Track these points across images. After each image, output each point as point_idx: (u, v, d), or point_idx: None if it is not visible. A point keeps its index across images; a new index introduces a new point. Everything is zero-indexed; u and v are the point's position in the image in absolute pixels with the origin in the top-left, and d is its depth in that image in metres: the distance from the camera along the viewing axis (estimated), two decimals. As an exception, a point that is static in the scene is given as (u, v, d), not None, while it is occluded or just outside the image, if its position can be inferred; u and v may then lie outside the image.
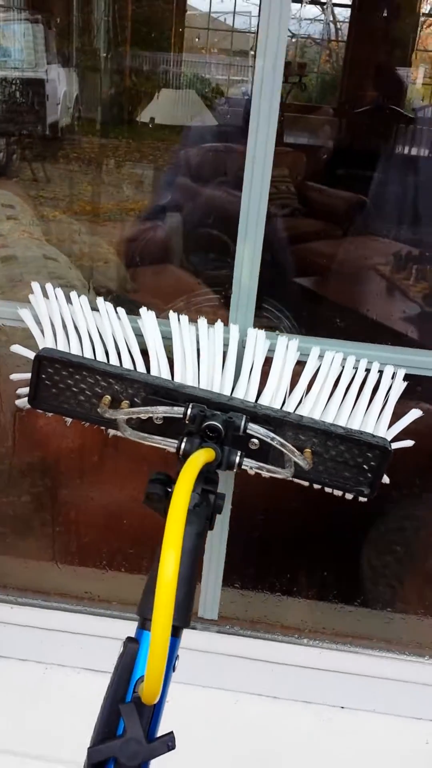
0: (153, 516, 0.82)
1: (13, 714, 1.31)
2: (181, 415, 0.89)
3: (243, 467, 0.87)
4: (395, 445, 1.03)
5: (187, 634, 1.31)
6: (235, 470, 0.86)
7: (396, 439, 1.04)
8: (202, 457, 0.77)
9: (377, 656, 1.30)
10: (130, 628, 0.76)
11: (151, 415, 0.94)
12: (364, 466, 1.01)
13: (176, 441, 0.85)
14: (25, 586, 1.39)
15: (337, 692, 1.33)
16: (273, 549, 1.44)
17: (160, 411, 0.92)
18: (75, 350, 1.03)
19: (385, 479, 1.06)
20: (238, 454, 0.85)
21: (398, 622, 1.38)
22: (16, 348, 1.08)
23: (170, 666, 0.75)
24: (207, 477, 0.83)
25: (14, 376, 1.10)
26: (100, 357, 1.04)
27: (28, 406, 1.05)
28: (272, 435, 0.91)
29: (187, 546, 0.75)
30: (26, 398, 1.05)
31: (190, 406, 0.89)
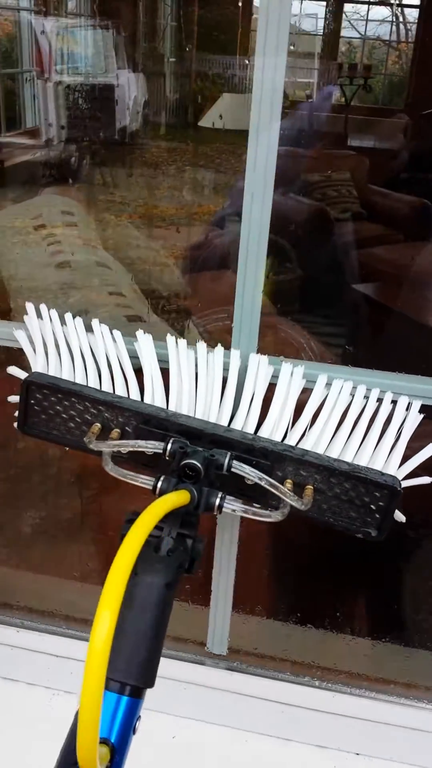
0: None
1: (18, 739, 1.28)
2: (161, 450, 0.83)
3: (226, 510, 0.80)
4: (410, 483, 0.95)
5: (195, 669, 1.26)
6: (215, 513, 0.79)
7: (412, 475, 0.95)
8: (169, 501, 0.71)
9: (395, 703, 1.21)
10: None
11: (131, 449, 0.88)
12: (372, 506, 0.92)
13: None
14: (33, 607, 1.36)
15: (352, 737, 1.24)
16: (285, 578, 1.37)
17: (140, 445, 0.86)
18: (67, 374, 0.99)
19: (401, 517, 0.97)
20: (219, 496, 0.79)
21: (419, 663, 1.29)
22: (12, 370, 1.04)
23: (130, 729, 0.69)
24: (185, 520, 0.77)
25: (12, 398, 1.06)
26: (94, 381, 0.99)
27: None
28: (260, 474, 0.84)
29: (150, 599, 0.70)
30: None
31: (171, 440, 0.83)
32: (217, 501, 0.78)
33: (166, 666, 1.27)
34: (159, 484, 0.78)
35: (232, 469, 0.83)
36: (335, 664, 1.25)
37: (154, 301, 1.77)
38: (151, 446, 0.85)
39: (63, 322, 1.02)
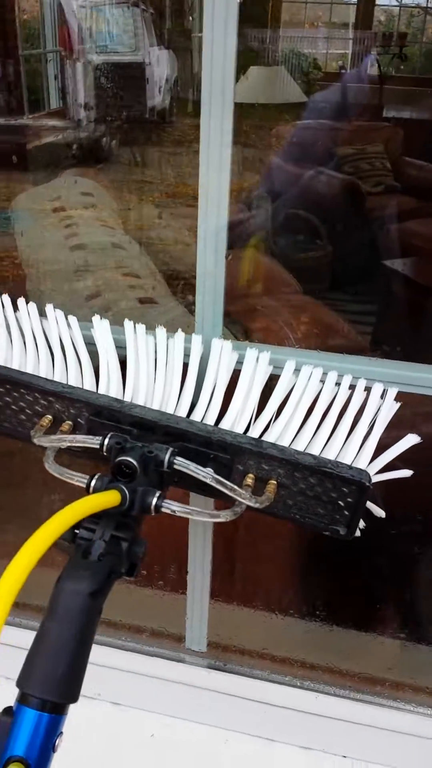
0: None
1: None
2: (98, 446, 0.77)
3: (165, 511, 0.74)
4: (386, 476, 0.87)
5: (174, 667, 1.21)
6: (152, 513, 0.73)
7: (389, 468, 0.88)
8: (91, 501, 0.65)
9: (383, 705, 1.15)
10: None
11: (69, 444, 0.82)
12: (340, 503, 0.85)
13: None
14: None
15: (338, 739, 1.18)
16: (268, 567, 1.30)
17: (78, 440, 0.81)
18: (18, 362, 0.93)
19: (379, 512, 0.90)
20: (156, 495, 0.72)
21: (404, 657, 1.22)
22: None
23: (50, 747, 0.64)
24: (120, 522, 0.71)
25: None
26: (47, 370, 0.93)
27: None
28: (204, 471, 0.77)
29: (73, 610, 0.64)
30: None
31: (109, 435, 0.77)
32: (154, 501, 0.72)
33: (143, 662, 1.23)
34: (93, 483, 0.72)
35: (175, 466, 0.76)
36: (322, 661, 1.19)
37: (176, 282, 1.71)
38: (89, 441, 0.79)
39: (15, 307, 0.96)
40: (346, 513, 0.86)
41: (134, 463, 0.72)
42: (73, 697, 0.64)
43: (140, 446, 0.75)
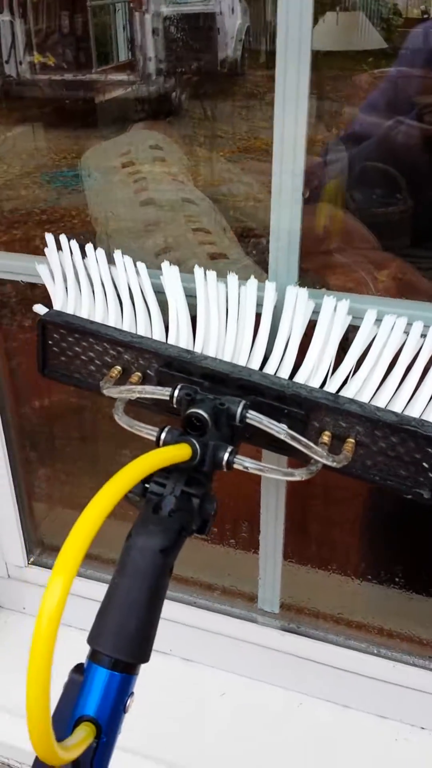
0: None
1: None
2: (168, 397, 0.73)
3: (237, 467, 0.70)
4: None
5: (245, 626, 1.19)
6: (224, 469, 0.69)
7: None
8: (161, 455, 0.62)
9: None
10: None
11: (138, 395, 0.79)
12: (424, 464, 0.79)
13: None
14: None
15: (416, 710, 1.13)
16: (347, 527, 1.25)
17: (147, 391, 0.77)
18: (87, 311, 0.90)
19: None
20: (228, 450, 0.68)
21: None
22: (37, 308, 0.97)
23: (121, 708, 0.62)
24: (191, 477, 0.68)
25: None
26: (115, 319, 0.90)
27: None
28: (278, 427, 0.72)
29: (144, 567, 0.61)
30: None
31: (179, 387, 0.73)
32: (226, 456, 0.68)
33: (215, 620, 1.21)
34: (162, 436, 0.69)
35: (247, 420, 0.72)
36: (397, 628, 1.14)
37: (247, 239, 1.65)
38: (158, 392, 0.76)
39: (84, 254, 0.93)
40: (431, 475, 0.80)
41: (205, 415, 0.68)
42: (145, 657, 0.62)
43: (211, 398, 0.71)
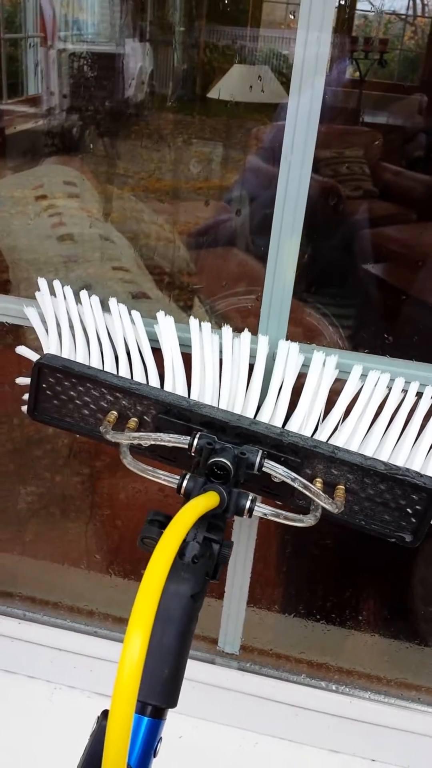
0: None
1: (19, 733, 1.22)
2: (187, 446, 0.76)
3: (256, 514, 0.73)
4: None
5: (205, 669, 1.20)
6: (246, 517, 0.72)
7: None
8: (200, 505, 0.64)
9: (415, 710, 1.15)
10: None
11: (153, 442, 0.81)
12: (408, 510, 0.85)
13: (179, 477, 0.73)
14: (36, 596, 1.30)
15: (368, 743, 1.19)
16: (302, 573, 1.30)
17: (164, 439, 0.79)
18: (82, 357, 0.92)
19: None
20: (249, 498, 0.72)
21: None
22: (22, 350, 0.97)
23: (151, 752, 0.63)
24: (211, 523, 0.70)
25: (20, 380, 0.99)
26: (110, 366, 0.91)
27: None
28: (293, 476, 0.77)
29: (176, 613, 0.63)
30: (28, 408, 0.94)
31: (198, 435, 0.76)
32: (248, 504, 0.71)
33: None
34: (185, 484, 0.71)
35: (264, 469, 0.76)
36: (354, 666, 1.20)
37: (157, 277, 1.69)
38: (174, 440, 0.78)
39: (78, 300, 0.94)
40: (414, 520, 0.86)
41: (229, 464, 0.71)
42: (174, 701, 0.63)
43: (231, 447, 0.74)
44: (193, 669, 1.20)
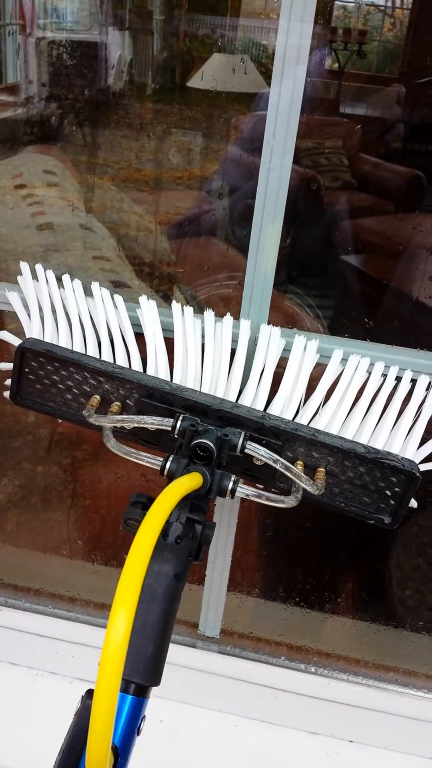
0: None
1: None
2: (170, 428, 0.77)
3: (238, 495, 0.74)
4: (428, 466, 0.89)
5: (186, 652, 1.21)
6: (227, 498, 0.73)
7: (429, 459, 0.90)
8: (183, 485, 0.65)
9: (392, 691, 1.18)
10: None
11: (136, 424, 0.81)
12: (387, 492, 0.87)
13: (162, 459, 0.73)
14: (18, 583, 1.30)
15: (346, 724, 1.21)
16: (282, 558, 1.32)
17: (147, 421, 0.80)
18: (64, 341, 0.92)
19: (413, 503, 0.92)
20: (232, 479, 0.72)
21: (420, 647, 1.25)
22: (4, 335, 0.97)
23: (134, 730, 0.64)
24: (194, 504, 0.71)
25: (1, 365, 0.99)
26: (93, 350, 0.92)
27: None
28: (275, 457, 0.78)
29: (160, 592, 0.64)
30: (10, 392, 0.94)
31: (181, 417, 0.76)
32: (230, 485, 0.72)
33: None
34: (168, 465, 0.72)
35: (246, 450, 0.77)
36: (333, 649, 1.21)
37: (137, 267, 1.69)
38: (158, 422, 0.79)
39: (60, 284, 0.94)
40: (393, 502, 0.87)
41: (212, 446, 0.71)
42: (157, 679, 0.64)
43: (214, 429, 0.75)
44: (174, 653, 1.21)
